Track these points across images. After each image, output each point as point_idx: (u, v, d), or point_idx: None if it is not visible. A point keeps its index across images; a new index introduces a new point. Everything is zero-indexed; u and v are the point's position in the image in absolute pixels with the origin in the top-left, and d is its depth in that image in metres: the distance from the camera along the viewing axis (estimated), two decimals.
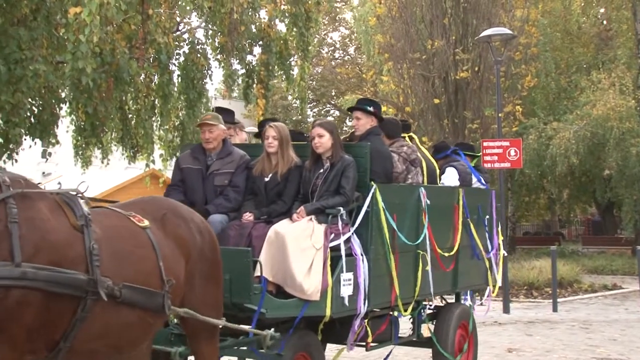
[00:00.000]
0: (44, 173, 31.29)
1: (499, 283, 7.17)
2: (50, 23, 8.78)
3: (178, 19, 11.48)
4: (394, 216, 5.32)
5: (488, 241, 6.80)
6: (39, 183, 3.78)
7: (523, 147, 14.86)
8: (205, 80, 11.42)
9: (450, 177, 6.71)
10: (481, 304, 12.61)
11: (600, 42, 24.79)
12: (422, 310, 6.15)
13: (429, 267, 5.71)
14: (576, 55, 24.31)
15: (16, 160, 9.61)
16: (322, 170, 5.15)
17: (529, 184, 24.09)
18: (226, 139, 5.45)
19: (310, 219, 4.92)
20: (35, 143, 10.17)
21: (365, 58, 27.58)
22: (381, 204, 5.18)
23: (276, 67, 12.15)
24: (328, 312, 4.86)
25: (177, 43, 10.99)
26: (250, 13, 11.19)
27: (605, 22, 25.76)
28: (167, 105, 10.94)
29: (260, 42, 11.78)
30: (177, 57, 11.12)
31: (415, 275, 5.66)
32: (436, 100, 18.50)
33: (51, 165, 30.74)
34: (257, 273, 4.65)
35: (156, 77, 10.63)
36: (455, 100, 18.67)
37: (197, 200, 5.21)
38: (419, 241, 5.61)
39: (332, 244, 4.91)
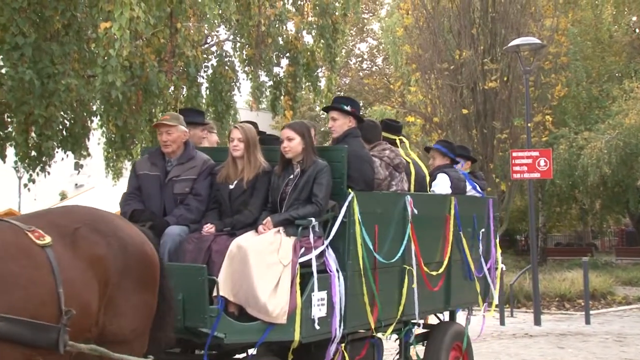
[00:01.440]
0: (76, 185, 31.85)
1: (496, 300, 6.65)
2: (81, 38, 8.95)
3: (206, 32, 11.63)
4: (376, 228, 4.76)
5: (482, 257, 6.20)
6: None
7: (554, 157, 14.70)
8: (233, 93, 11.50)
9: (441, 184, 6.05)
10: (511, 316, 12.52)
11: (633, 50, 24.45)
12: (409, 331, 5.56)
13: (415, 285, 5.16)
14: (608, 64, 24.01)
15: (49, 173, 9.79)
16: (292, 176, 4.59)
17: (560, 194, 23.84)
18: (188, 141, 4.88)
19: (278, 230, 4.38)
20: (67, 155, 10.34)
21: (393, 69, 27.58)
22: (357, 215, 4.59)
23: (303, 78, 12.20)
24: (297, 337, 4.27)
25: (205, 56, 11.11)
26: (277, 25, 11.28)
27: (637, 30, 25.40)
28: None
29: (288, 54, 11.85)
30: (206, 69, 11.23)
31: (399, 293, 5.11)
32: (464, 111, 18.39)
33: (83, 177, 31.33)
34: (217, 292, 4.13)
35: (185, 89, 10.74)
36: (484, 110, 18.54)
37: (155, 210, 4.69)
38: (397, 256, 5.00)
39: (302, 259, 4.34)
